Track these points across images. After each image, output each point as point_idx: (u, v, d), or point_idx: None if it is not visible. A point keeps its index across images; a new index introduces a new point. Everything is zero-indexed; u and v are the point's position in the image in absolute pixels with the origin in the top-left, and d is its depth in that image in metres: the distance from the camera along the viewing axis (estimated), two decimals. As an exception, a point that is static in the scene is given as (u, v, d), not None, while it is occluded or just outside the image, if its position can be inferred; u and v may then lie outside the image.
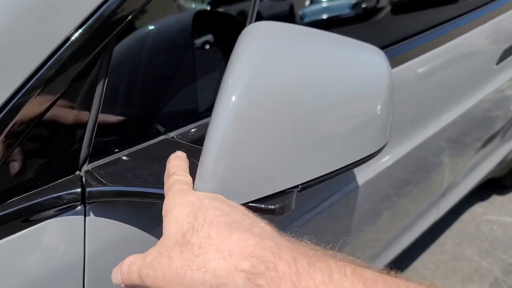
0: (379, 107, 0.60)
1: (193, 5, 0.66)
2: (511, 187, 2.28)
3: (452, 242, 2.00)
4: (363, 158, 0.60)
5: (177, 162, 0.50)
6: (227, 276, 0.35)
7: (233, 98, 0.46)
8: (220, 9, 0.70)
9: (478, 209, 2.19)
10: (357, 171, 0.96)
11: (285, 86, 0.50)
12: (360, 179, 0.99)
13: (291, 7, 0.96)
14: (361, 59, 0.61)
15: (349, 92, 0.57)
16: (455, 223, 2.11)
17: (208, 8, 0.69)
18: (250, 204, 0.49)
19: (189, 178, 0.48)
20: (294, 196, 0.52)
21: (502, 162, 1.90)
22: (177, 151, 0.52)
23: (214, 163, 0.46)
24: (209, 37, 0.69)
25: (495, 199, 2.26)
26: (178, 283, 0.37)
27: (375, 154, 0.62)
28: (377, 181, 1.06)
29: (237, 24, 0.66)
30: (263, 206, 0.50)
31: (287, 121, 0.50)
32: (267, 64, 0.49)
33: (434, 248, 1.97)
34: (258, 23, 0.55)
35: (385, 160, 1.07)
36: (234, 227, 0.39)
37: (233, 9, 0.70)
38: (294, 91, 0.51)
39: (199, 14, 0.66)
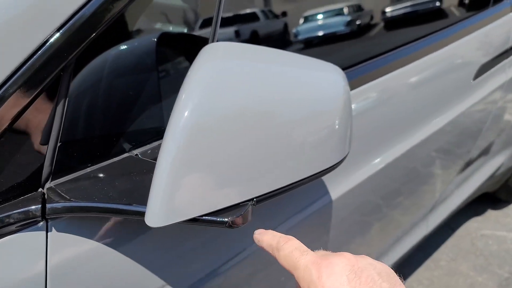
0: (337, 121, 0.62)
1: (158, 26, 0.69)
2: (505, 201, 2.27)
3: (447, 258, 1.99)
4: (322, 171, 0.61)
5: (268, 234, 0.50)
6: None
7: (186, 113, 0.48)
8: (184, 31, 0.73)
9: (473, 224, 2.19)
10: (343, 176, 0.97)
11: (238, 103, 0.52)
12: (346, 185, 1.00)
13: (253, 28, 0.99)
14: (318, 77, 0.63)
15: (306, 109, 0.59)
16: (450, 238, 2.11)
17: (173, 29, 0.72)
18: (204, 217, 0.51)
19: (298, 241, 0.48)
20: (249, 209, 0.54)
21: (492, 176, 1.90)
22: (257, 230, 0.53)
23: (168, 176, 0.48)
24: (173, 57, 0.72)
25: (490, 214, 2.25)
26: None
27: (335, 166, 0.63)
28: (365, 189, 1.07)
29: (201, 45, 0.69)
30: (216, 218, 0.51)
31: (241, 136, 0.52)
32: (221, 82, 0.51)
33: (428, 263, 1.96)
34: (216, 43, 0.57)
35: (375, 164, 1.07)
36: None
37: (196, 31, 0.72)
38: (248, 108, 0.53)
39: (164, 35, 0.69)
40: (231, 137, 0.51)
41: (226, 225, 0.51)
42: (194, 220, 0.51)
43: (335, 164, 0.63)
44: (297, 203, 0.88)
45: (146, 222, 0.49)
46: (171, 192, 0.48)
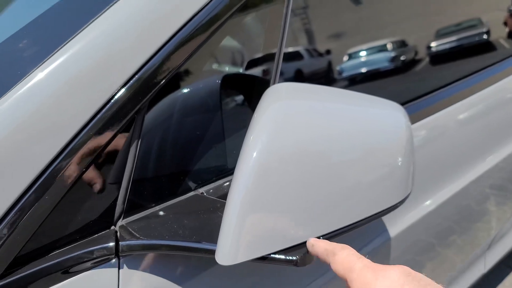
0: (399, 159, 0.62)
1: (220, 69, 0.72)
2: None
3: (505, 298, 1.89)
4: (386, 209, 0.61)
5: (324, 241, 0.51)
6: None
7: (254, 154, 0.50)
8: (247, 72, 0.75)
9: (532, 263, 2.08)
10: (395, 218, 0.96)
11: (304, 142, 0.53)
12: (398, 226, 0.98)
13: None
14: (380, 114, 0.64)
15: (368, 146, 0.59)
16: (508, 277, 2.01)
17: (236, 71, 0.75)
18: (272, 255, 0.52)
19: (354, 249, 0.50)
20: None
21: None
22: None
23: (238, 215, 0.49)
24: (237, 97, 0.74)
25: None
26: None
27: (398, 204, 0.63)
28: (418, 229, 1.05)
29: (262, 85, 0.71)
30: (285, 257, 0.52)
31: (307, 175, 0.53)
32: (286, 122, 0.53)
33: (486, 304, 1.87)
34: (279, 84, 0.59)
35: (427, 205, 1.06)
36: None
37: (258, 72, 0.75)
38: (314, 147, 0.54)
39: (227, 77, 0.72)
40: (298, 177, 0.52)
41: (293, 264, 0.52)
42: (263, 258, 0.52)
43: (398, 202, 0.62)
44: (351, 244, 0.87)
45: (217, 261, 0.50)
46: (240, 231, 0.49)
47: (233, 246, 0.49)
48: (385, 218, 0.93)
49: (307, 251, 0.53)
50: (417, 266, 1.19)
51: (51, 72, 0.51)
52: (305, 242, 0.54)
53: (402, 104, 1.02)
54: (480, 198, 1.30)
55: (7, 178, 0.48)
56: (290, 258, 0.52)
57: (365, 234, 0.90)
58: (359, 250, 0.88)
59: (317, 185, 0.54)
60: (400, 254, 1.04)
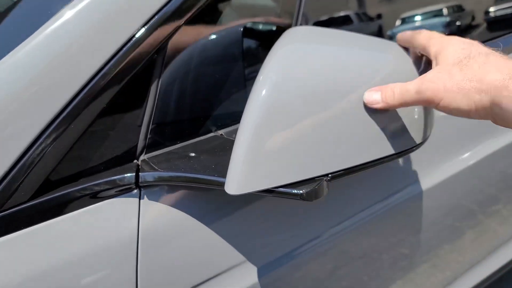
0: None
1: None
2: None
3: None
4: (400, 152, 0.61)
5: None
6: (502, 83, 0.47)
7: (263, 92, 0.52)
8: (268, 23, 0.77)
9: None
10: (428, 168, 0.93)
11: (314, 82, 0.55)
12: (434, 178, 0.96)
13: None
14: (396, 57, 0.63)
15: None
16: None
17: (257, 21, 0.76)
18: (279, 189, 0.54)
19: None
20: (324, 184, 0.56)
21: None
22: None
23: (247, 147, 0.52)
24: (257, 47, 0.76)
25: None
26: (457, 91, 0.51)
27: (413, 148, 0.63)
28: (455, 187, 1.01)
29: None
30: (290, 190, 0.54)
31: (317, 113, 0.54)
32: (297, 62, 0.55)
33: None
34: (296, 27, 0.61)
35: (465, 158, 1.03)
36: (507, 58, 0.52)
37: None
38: (324, 87, 0.55)
39: (249, 26, 0.74)
40: (308, 115, 0.54)
41: (299, 197, 0.54)
42: (269, 191, 0.54)
43: (414, 146, 0.62)
44: (381, 191, 0.86)
45: (226, 190, 0.53)
46: (249, 163, 0.52)
47: (241, 176, 0.52)
48: (417, 168, 0.91)
49: (315, 187, 0.55)
50: (457, 232, 1.16)
51: (81, 10, 0.55)
52: (313, 179, 0.56)
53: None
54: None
55: (38, 105, 0.53)
56: (296, 191, 0.54)
57: (397, 181, 0.89)
58: (389, 196, 0.86)
59: (327, 124, 0.55)
60: (439, 215, 1.02)
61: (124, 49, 0.56)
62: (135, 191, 0.61)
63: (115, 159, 0.61)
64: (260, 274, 0.70)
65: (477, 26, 1.21)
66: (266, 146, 0.52)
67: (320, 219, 0.76)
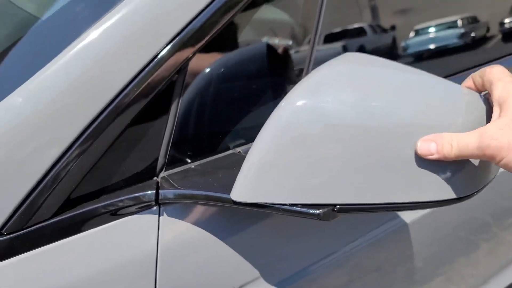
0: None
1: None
2: None
3: None
4: (431, 202, 0.55)
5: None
6: None
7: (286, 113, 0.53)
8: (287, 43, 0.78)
9: None
10: None
11: (340, 112, 0.52)
12: None
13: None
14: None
15: (423, 120, 0.54)
16: None
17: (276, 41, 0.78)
18: (292, 207, 0.53)
19: None
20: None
21: None
22: None
23: (260, 158, 0.52)
24: (274, 66, 0.77)
25: None
26: None
27: (452, 201, 0.55)
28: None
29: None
30: (308, 210, 0.54)
31: (340, 142, 0.52)
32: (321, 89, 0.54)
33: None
34: (348, 53, 0.60)
35: None
36: None
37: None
38: (349, 118, 0.52)
39: (269, 46, 0.75)
40: (329, 141, 0.52)
41: (317, 217, 0.54)
42: (282, 208, 0.53)
43: (454, 199, 0.55)
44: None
45: (231, 196, 0.54)
46: (259, 173, 0.52)
47: (249, 184, 0.53)
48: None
49: (333, 209, 0.54)
50: (472, 245, 1.16)
51: (106, 30, 0.57)
52: (321, 205, 0.54)
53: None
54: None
55: (65, 121, 0.54)
56: (313, 211, 0.54)
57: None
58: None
59: (348, 154, 0.52)
60: (451, 230, 1.01)
61: (147, 69, 0.58)
62: (155, 208, 0.62)
63: (136, 176, 0.63)
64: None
65: (492, 37, 1.21)
66: (280, 159, 0.52)
67: (335, 235, 0.77)
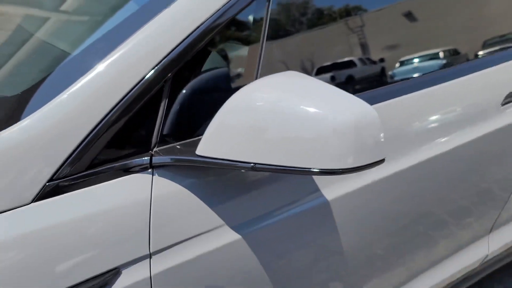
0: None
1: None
2: None
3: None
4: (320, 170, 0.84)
5: None
6: None
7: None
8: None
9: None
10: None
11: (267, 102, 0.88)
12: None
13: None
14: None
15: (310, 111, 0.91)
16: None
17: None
18: (231, 162, 0.86)
19: None
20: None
21: None
22: None
23: (214, 124, 0.86)
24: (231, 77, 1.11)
25: None
26: None
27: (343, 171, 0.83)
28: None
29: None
30: (241, 164, 0.86)
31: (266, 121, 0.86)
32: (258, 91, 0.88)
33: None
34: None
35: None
36: None
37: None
38: (271, 101, 0.88)
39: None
40: (256, 119, 0.86)
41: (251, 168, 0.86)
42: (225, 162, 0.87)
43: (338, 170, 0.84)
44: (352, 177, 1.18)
45: (196, 152, 0.88)
46: (212, 135, 0.86)
47: (205, 144, 0.87)
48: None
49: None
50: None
51: (119, 58, 0.91)
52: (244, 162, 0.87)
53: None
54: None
55: (96, 108, 0.88)
56: (247, 164, 0.86)
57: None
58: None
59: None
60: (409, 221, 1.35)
61: (143, 81, 0.91)
62: (150, 170, 0.94)
63: (137, 149, 0.95)
64: (240, 231, 1.02)
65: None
66: (227, 130, 0.86)
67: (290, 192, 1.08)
